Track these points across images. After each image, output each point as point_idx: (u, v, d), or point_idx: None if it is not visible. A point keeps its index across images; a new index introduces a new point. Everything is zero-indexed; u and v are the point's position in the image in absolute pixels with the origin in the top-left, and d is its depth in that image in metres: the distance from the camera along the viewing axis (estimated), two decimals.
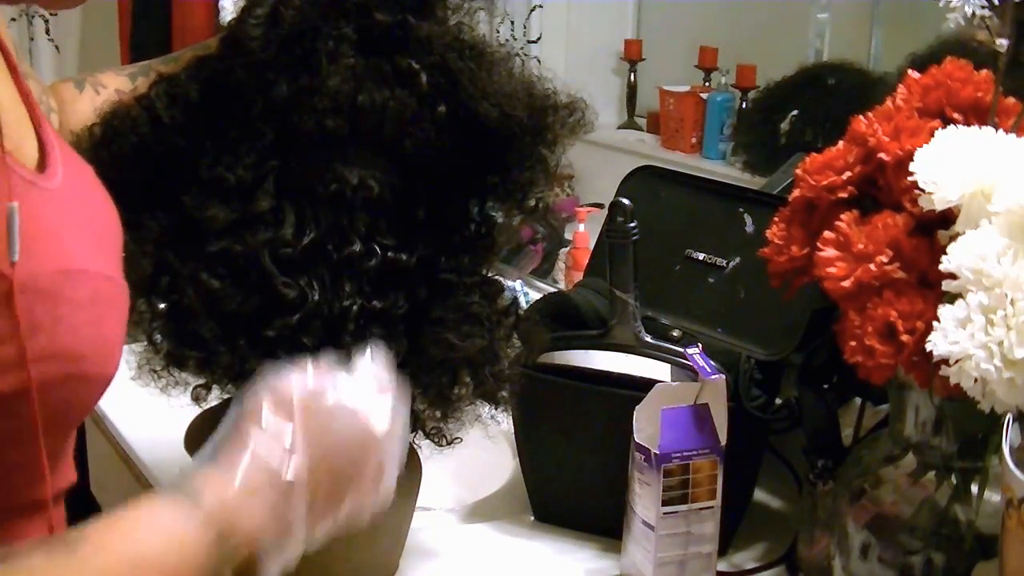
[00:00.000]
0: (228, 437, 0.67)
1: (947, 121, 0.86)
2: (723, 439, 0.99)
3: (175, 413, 0.99)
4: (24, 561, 0.56)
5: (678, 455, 0.98)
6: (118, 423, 1.34)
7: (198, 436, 1.01)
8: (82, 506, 0.71)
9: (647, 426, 0.99)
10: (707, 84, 2.29)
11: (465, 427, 0.97)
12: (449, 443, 0.97)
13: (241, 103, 0.83)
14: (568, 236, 2.04)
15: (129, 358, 0.83)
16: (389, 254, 0.85)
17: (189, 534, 0.62)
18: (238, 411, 0.68)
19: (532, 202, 0.94)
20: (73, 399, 0.65)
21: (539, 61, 2.41)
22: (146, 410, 1.04)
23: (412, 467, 1.02)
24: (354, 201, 0.83)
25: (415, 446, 0.99)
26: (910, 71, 0.90)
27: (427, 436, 0.96)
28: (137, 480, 1.28)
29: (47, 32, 2.27)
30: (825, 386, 1.04)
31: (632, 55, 2.48)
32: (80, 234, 0.68)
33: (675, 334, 1.09)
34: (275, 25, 0.84)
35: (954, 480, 0.90)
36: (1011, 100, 0.86)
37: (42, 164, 0.69)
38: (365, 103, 0.83)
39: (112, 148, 0.86)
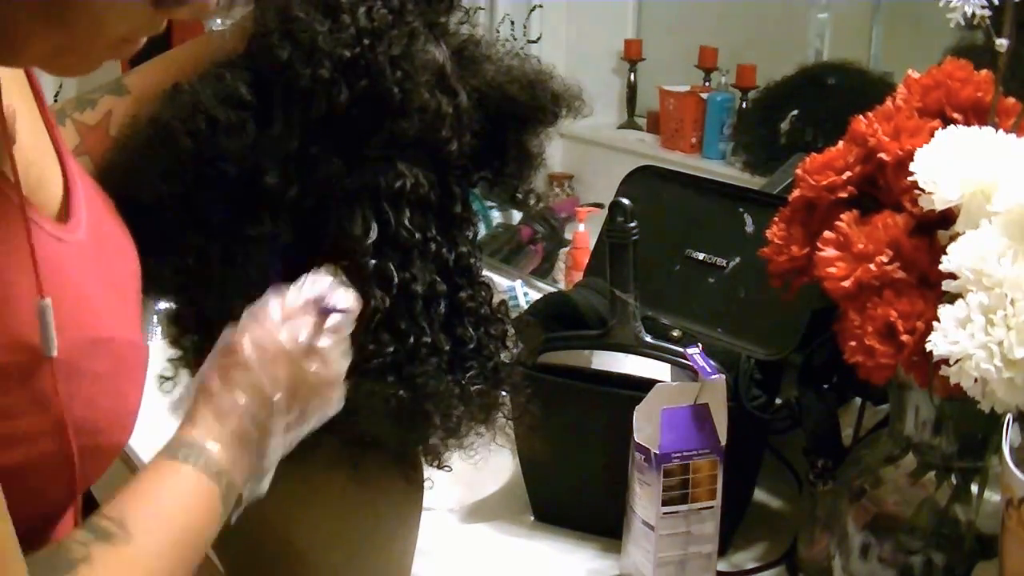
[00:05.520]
0: (215, 376, 0.70)
1: (947, 121, 0.86)
2: (723, 439, 0.99)
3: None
4: (79, 550, 0.58)
5: (678, 455, 0.98)
6: None
7: None
8: (82, 506, 0.71)
9: (647, 426, 0.99)
10: (707, 84, 2.29)
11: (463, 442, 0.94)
12: (440, 467, 0.93)
13: (306, 105, 0.80)
14: (568, 236, 2.04)
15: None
16: (443, 250, 0.85)
17: (206, 492, 0.66)
18: (223, 347, 0.71)
19: (523, 192, 0.94)
20: (87, 471, 0.64)
21: (539, 61, 2.41)
22: (146, 410, 1.04)
23: (413, 500, 0.98)
24: (409, 199, 0.82)
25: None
26: (909, 71, 0.90)
27: (425, 454, 0.91)
28: None
29: None
30: (825, 386, 1.04)
31: (632, 55, 2.48)
32: (106, 292, 0.66)
33: (675, 334, 1.08)
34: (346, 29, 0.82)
35: (954, 480, 0.89)
36: (1011, 100, 0.86)
37: (66, 204, 0.66)
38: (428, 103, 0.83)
39: (168, 148, 0.80)
